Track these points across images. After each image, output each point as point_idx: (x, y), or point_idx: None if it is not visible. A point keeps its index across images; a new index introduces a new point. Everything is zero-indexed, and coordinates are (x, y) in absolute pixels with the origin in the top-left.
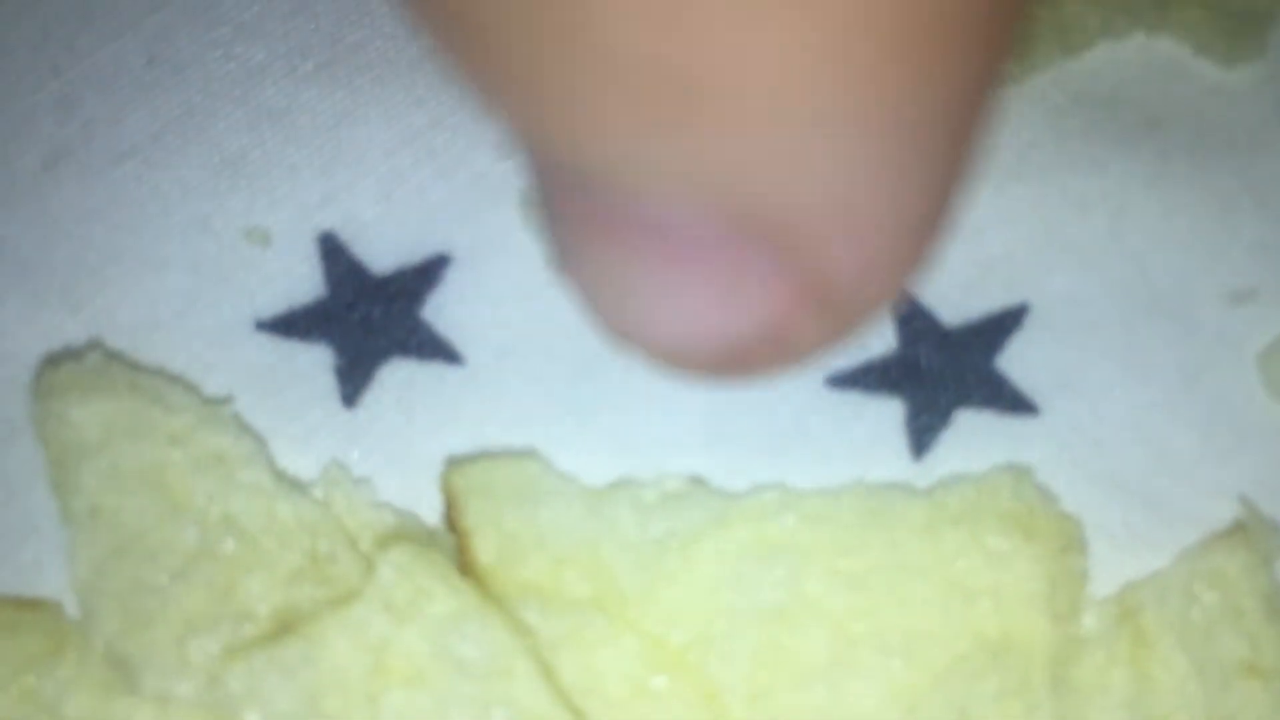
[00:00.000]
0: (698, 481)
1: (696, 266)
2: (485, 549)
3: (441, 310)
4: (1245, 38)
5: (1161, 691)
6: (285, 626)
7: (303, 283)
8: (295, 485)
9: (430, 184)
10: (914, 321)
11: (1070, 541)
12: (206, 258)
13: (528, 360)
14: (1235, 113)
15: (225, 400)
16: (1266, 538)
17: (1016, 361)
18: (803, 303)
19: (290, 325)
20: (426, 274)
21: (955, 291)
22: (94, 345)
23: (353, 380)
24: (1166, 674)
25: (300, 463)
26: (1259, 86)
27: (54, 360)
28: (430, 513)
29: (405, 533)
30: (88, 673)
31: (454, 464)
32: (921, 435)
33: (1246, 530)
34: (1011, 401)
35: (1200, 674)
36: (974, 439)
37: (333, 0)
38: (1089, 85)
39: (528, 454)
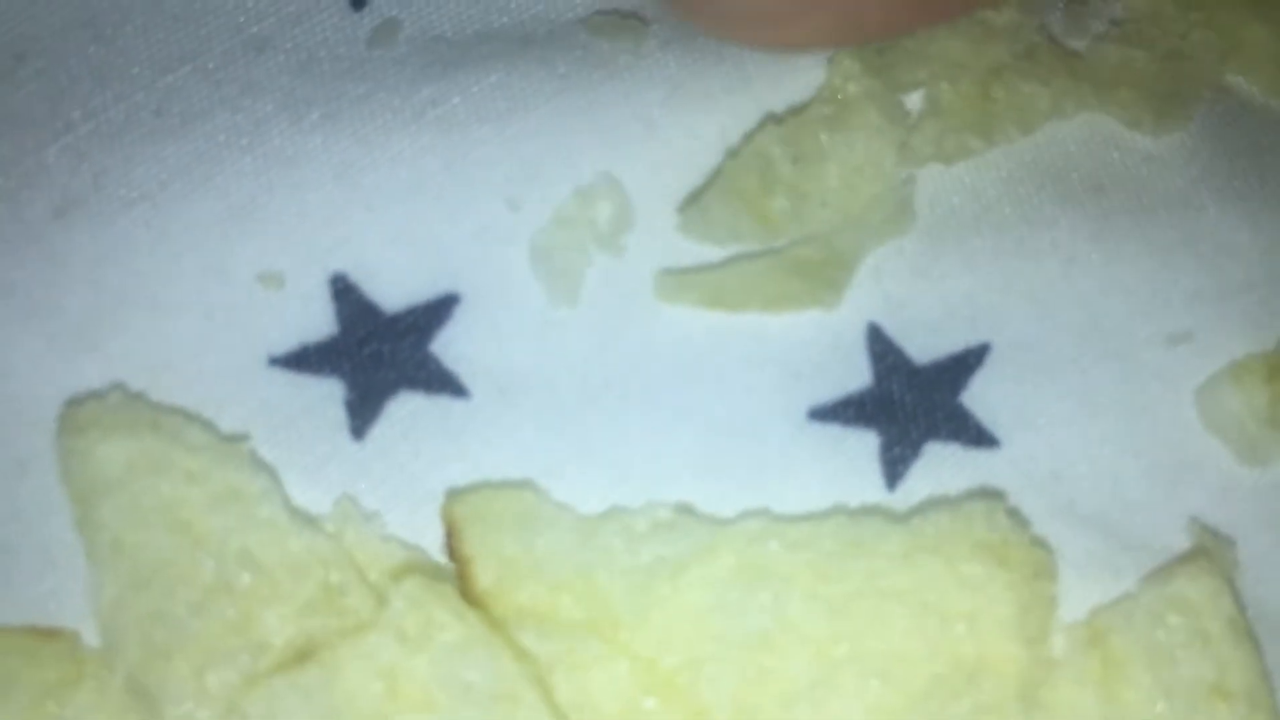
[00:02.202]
0: (686, 509)
1: None
2: (484, 575)
3: (449, 346)
4: (1170, 112)
5: (1130, 712)
6: (301, 656)
7: (315, 320)
8: (308, 519)
9: (440, 227)
10: (887, 358)
11: (1041, 568)
12: (220, 301)
13: (529, 394)
14: (1167, 177)
15: (241, 437)
16: (1224, 557)
17: (979, 398)
18: None
19: (302, 360)
20: (436, 311)
21: (923, 331)
22: (113, 385)
23: (362, 413)
24: (1135, 695)
25: (311, 495)
26: (1185, 155)
27: (76, 399)
28: (434, 543)
29: (414, 565)
30: (107, 700)
31: (454, 494)
32: (895, 466)
33: (1207, 555)
34: (975, 435)
35: (1168, 695)
36: (942, 470)
37: (334, 61)
38: (1038, 156)
39: (525, 484)
